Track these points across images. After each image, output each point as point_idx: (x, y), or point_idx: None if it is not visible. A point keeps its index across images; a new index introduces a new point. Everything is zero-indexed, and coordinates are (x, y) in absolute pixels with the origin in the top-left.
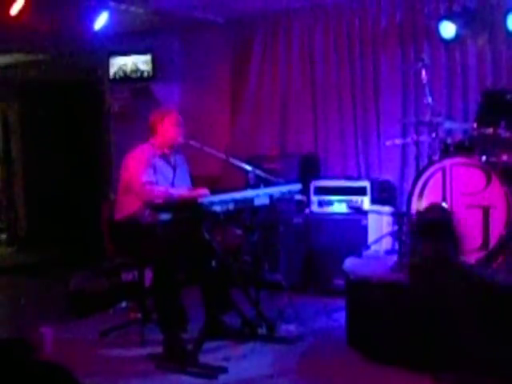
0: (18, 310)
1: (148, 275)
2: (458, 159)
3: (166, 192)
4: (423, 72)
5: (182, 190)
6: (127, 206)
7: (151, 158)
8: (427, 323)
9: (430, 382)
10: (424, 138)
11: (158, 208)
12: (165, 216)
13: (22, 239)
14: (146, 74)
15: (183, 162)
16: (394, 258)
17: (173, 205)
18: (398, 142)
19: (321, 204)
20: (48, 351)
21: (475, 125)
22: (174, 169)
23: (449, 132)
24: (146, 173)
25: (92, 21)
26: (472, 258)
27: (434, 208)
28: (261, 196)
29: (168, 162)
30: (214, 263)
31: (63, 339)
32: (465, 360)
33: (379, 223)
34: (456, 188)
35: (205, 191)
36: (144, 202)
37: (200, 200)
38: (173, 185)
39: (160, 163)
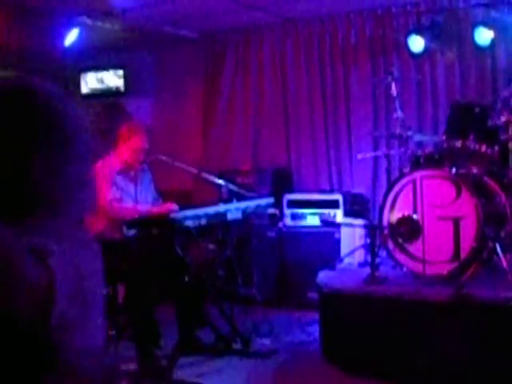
0: None
1: (121, 292)
2: (428, 171)
3: (134, 209)
4: (393, 85)
5: (149, 207)
6: (94, 224)
7: (111, 175)
8: (401, 335)
9: None
10: (395, 150)
11: (130, 224)
12: (137, 232)
13: None
14: (118, 90)
15: (146, 174)
16: (367, 270)
17: (145, 220)
18: (369, 155)
19: (294, 217)
20: None
21: (444, 137)
22: (136, 184)
23: (419, 144)
24: (111, 190)
25: (62, 37)
26: (444, 269)
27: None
28: (233, 210)
29: (128, 178)
30: (187, 278)
31: None
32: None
33: (352, 236)
34: (427, 200)
35: (173, 206)
36: (111, 220)
37: (172, 215)
38: (136, 200)
39: (119, 179)
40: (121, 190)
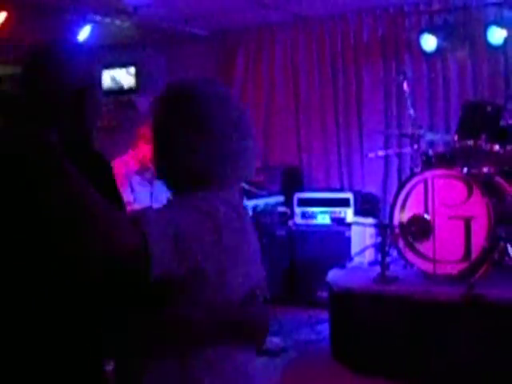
0: None
1: None
2: (440, 171)
3: None
4: (405, 84)
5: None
6: None
7: (127, 176)
8: (411, 334)
9: None
10: (406, 149)
11: None
12: None
13: None
14: (129, 87)
15: None
16: (377, 269)
17: None
18: (380, 153)
19: (304, 216)
20: None
21: (456, 137)
22: (152, 185)
23: (430, 144)
24: (125, 192)
25: (75, 34)
26: (454, 269)
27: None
28: None
29: (145, 178)
30: None
31: None
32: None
33: (362, 235)
34: (438, 199)
35: None
36: None
37: None
38: (151, 201)
39: (136, 180)
40: (138, 191)
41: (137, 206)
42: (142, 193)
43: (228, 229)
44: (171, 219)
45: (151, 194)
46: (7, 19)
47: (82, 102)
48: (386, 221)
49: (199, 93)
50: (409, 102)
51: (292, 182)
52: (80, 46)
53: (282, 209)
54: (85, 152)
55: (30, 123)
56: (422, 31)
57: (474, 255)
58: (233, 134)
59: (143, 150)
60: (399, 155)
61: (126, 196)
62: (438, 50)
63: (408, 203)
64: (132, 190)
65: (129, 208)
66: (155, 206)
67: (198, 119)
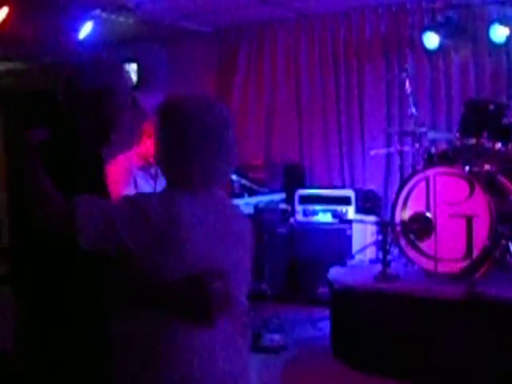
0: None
1: None
2: (442, 169)
3: None
4: (407, 82)
5: None
6: None
7: (130, 171)
8: (411, 332)
9: None
10: (408, 147)
11: None
12: None
13: (6, 250)
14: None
15: None
16: (379, 267)
17: None
18: (382, 151)
19: (305, 213)
20: None
21: (458, 135)
22: (155, 180)
23: (432, 142)
24: (127, 187)
25: (76, 30)
26: (456, 267)
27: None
28: (245, 205)
29: (149, 174)
30: None
31: None
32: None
33: (363, 232)
34: (439, 197)
35: None
36: None
37: None
38: None
39: (139, 175)
40: (139, 186)
41: None
42: (145, 188)
43: (161, 220)
44: (106, 204)
45: (154, 189)
46: (9, 15)
47: (98, 103)
48: (388, 219)
49: (182, 110)
50: (411, 100)
51: (294, 179)
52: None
53: (283, 206)
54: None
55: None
56: (424, 29)
57: (475, 253)
58: (206, 147)
59: (146, 146)
60: (401, 153)
61: (129, 191)
62: (441, 47)
63: (410, 201)
64: (135, 186)
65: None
66: None
67: (176, 134)
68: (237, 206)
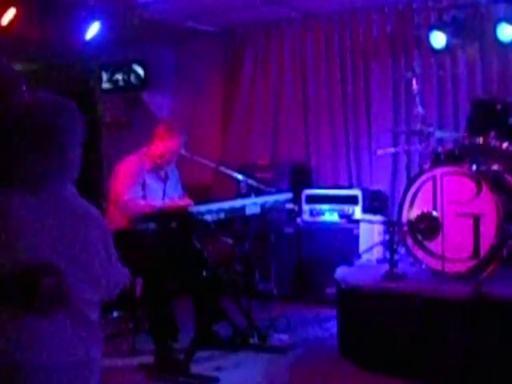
0: None
1: (139, 285)
2: (449, 168)
3: (148, 206)
4: (414, 82)
5: (164, 202)
6: (117, 219)
7: (139, 173)
8: (419, 332)
9: None
10: (415, 147)
11: (148, 218)
12: (155, 226)
13: None
14: (138, 84)
15: (174, 172)
16: (386, 266)
17: (164, 214)
18: (389, 151)
19: (312, 213)
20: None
21: (465, 134)
22: (165, 181)
23: (439, 141)
24: (131, 189)
25: (83, 31)
26: (463, 266)
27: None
28: (252, 205)
29: (158, 175)
30: (204, 273)
31: None
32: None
33: (370, 232)
34: (447, 197)
35: (188, 201)
36: (129, 218)
37: (191, 209)
38: (163, 199)
39: (149, 177)
40: (150, 188)
41: (142, 202)
42: (154, 189)
43: None
44: None
45: (164, 190)
46: (16, 16)
47: None
48: (395, 218)
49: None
50: (418, 100)
51: (300, 179)
52: None
53: (290, 206)
54: None
55: None
56: (431, 28)
57: (482, 253)
58: (29, 148)
59: (157, 148)
60: (408, 152)
61: (136, 192)
62: (448, 46)
63: (417, 200)
64: (144, 187)
65: (133, 203)
66: (167, 202)
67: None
68: (85, 205)
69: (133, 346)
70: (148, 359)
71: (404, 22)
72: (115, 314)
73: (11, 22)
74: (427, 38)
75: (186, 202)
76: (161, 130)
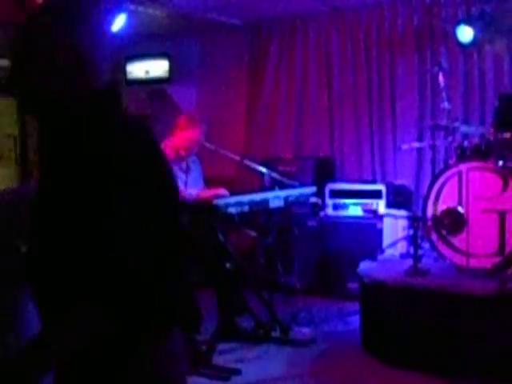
0: None
1: None
2: (475, 163)
3: (187, 194)
4: (440, 76)
5: (198, 190)
6: None
7: None
8: (442, 327)
9: None
10: (440, 142)
11: None
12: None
13: None
14: (162, 77)
15: (196, 164)
16: (409, 261)
17: (187, 206)
18: (414, 145)
19: (336, 207)
20: None
21: (492, 129)
22: (186, 173)
23: (465, 136)
24: None
25: (109, 23)
26: (488, 262)
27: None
28: (276, 198)
29: (180, 167)
30: (228, 265)
31: None
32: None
33: (394, 227)
34: (472, 192)
35: (223, 191)
36: None
37: (215, 201)
38: (186, 188)
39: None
40: None
41: (190, 191)
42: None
43: None
44: None
45: (185, 182)
46: None
47: None
48: (419, 213)
49: None
50: (444, 94)
51: (324, 172)
52: None
53: (313, 200)
54: None
55: None
56: (458, 22)
57: (508, 249)
58: None
59: (179, 139)
60: (433, 147)
61: None
62: (475, 41)
63: (442, 196)
64: None
65: None
66: (190, 193)
67: None
68: None
69: None
70: None
71: (431, 16)
72: None
73: None
74: (454, 32)
75: (220, 191)
76: (182, 121)
